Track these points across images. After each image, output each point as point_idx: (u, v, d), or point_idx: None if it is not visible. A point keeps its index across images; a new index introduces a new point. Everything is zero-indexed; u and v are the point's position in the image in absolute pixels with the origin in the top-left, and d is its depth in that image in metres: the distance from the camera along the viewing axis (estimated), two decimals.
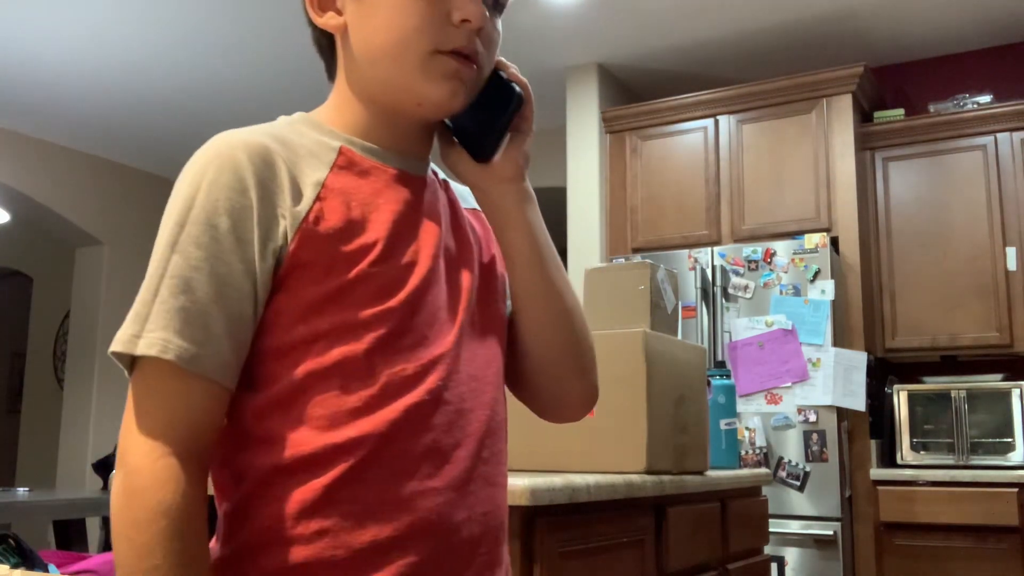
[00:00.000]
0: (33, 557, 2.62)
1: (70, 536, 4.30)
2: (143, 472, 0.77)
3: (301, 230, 0.82)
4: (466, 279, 0.92)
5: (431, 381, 0.85)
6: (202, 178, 0.81)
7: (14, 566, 2.50)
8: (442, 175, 0.99)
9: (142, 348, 0.78)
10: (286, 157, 0.84)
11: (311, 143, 0.88)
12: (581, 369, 0.99)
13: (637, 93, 4.91)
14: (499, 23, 0.93)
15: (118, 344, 0.80)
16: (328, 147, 0.88)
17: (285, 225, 0.82)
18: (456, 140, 0.94)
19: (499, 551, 0.90)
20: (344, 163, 0.88)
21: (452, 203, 0.96)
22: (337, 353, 0.82)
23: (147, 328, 0.79)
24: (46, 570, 2.48)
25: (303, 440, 0.81)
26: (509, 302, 0.99)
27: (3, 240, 7.29)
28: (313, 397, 0.81)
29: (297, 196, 0.83)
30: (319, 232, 0.83)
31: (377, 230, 0.85)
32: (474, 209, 1.00)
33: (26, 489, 4.26)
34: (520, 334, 0.97)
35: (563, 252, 4.61)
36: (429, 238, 0.89)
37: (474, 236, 0.97)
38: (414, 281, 0.86)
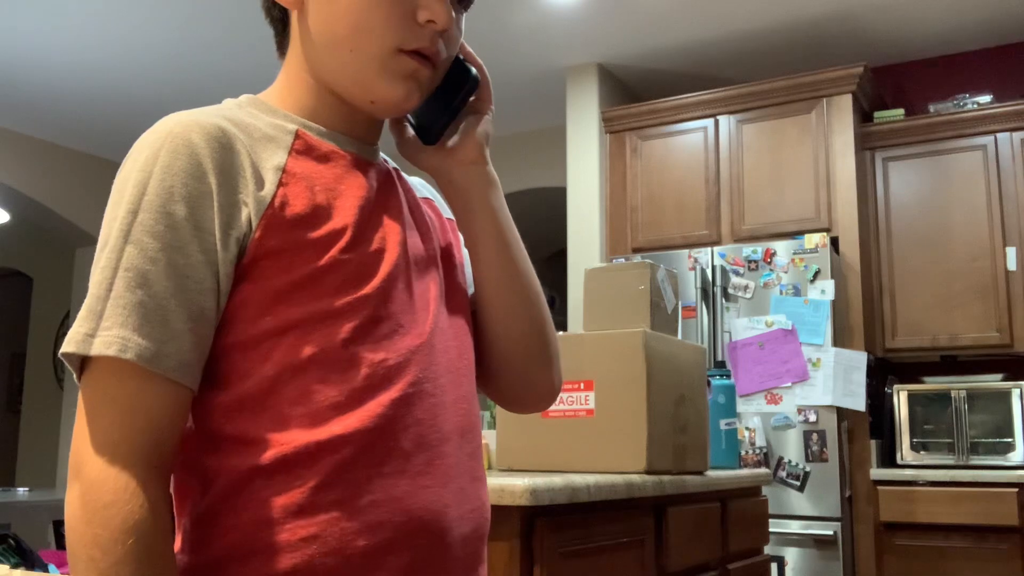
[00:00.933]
0: (33, 557, 2.62)
1: None
2: (105, 486, 0.70)
3: (266, 217, 0.78)
4: (432, 267, 0.89)
5: (413, 372, 0.81)
6: (154, 163, 0.76)
7: (14, 566, 2.50)
8: (392, 163, 0.96)
9: (98, 347, 0.72)
10: (244, 140, 0.80)
11: (266, 126, 0.83)
12: (548, 357, 0.96)
13: (637, 93, 4.91)
14: (463, 20, 0.90)
15: (71, 344, 0.73)
16: (284, 130, 0.84)
17: (248, 212, 0.77)
18: (408, 126, 0.92)
19: (483, 548, 0.88)
20: (302, 147, 0.84)
21: (406, 190, 0.93)
22: (313, 344, 0.77)
23: (102, 326, 0.72)
24: (46, 570, 2.48)
25: (283, 439, 0.75)
26: (471, 290, 0.96)
27: (3, 240, 7.29)
28: (290, 392, 0.76)
29: (259, 182, 0.79)
30: (285, 218, 0.78)
31: (344, 216, 0.82)
32: (425, 198, 0.98)
33: (26, 489, 4.26)
34: (486, 322, 0.94)
35: (563, 252, 4.60)
36: (394, 225, 0.86)
37: (430, 223, 0.94)
38: (385, 268, 0.82)
